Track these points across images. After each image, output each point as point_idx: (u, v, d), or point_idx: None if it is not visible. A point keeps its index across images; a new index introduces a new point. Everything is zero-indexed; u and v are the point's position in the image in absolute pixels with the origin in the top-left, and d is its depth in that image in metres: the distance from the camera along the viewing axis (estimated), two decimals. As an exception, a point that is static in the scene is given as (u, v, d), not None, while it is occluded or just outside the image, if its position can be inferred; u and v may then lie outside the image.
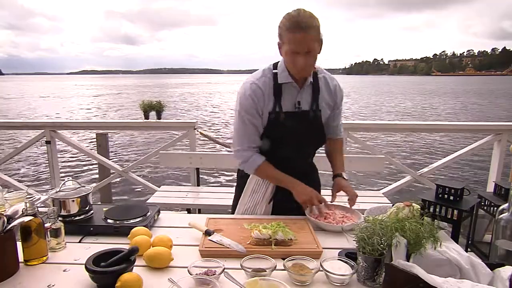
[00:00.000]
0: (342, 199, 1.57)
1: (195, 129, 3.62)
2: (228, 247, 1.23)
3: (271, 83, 1.52)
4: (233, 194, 1.77)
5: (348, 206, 1.54)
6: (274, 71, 1.53)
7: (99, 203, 4.20)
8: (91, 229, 1.37)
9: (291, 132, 1.54)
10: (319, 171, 1.82)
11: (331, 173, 1.72)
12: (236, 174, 1.80)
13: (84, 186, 1.50)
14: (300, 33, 1.35)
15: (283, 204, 1.62)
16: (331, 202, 1.58)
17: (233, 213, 1.72)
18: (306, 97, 1.56)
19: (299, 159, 1.66)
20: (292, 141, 1.58)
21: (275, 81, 1.52)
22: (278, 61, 1.55)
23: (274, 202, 1.65)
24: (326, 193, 1.60)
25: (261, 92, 1.50)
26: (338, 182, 1.62)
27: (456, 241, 1.26)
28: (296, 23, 1.35)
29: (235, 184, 1.79)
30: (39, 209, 1.29)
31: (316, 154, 1.74)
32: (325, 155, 1.79)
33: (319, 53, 1.46)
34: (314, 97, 1.57)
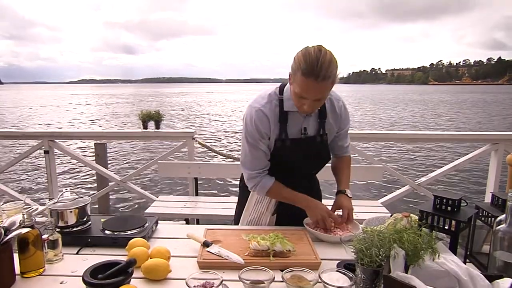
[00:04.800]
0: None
1: (194, 139, 3.63)
2: (226, 259, 1.22)
3: (277, 109, 1.48)
4: (232, 204, 1.77)
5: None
6: (280, 96, 1.49)
7: (97, 213, 4.17)
8: (89, 240, 1.37)
9: (297, 156, 1.54)
10: (320, 181, 1.82)
11: (330, 182, 1.72)
12: (238, 184, 1.80)
13: (82, 197, 1.50)
14: (315, 82, 1.27)
15: (287, 216, 1.61)
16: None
17: (236, 224, 1.72)
18: (313, 122, 1.54)
19: (303, 178, 1.67)
20: (297, 164, 1.58)
21: (280, 107, 1.48)
22: (285, 84, 1.50)
23: (278, 214, 1.64)
24: (325, 203, 1.60)
25: (267, 119, 1.47)
26: (339, 200, 1.59)
27: (454, 252, 1.26)
28: (312, 71, 1.25)
29: (233, 194, 1.78)
30: (36, 219, 1.29)
31: None
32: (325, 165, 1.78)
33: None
34: (320, 122, 1.55)
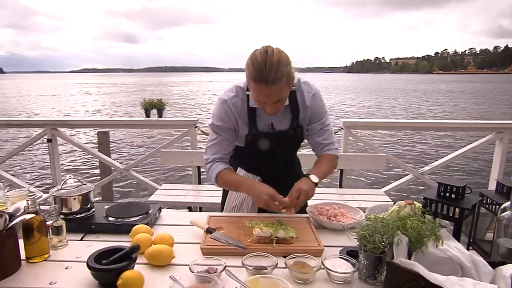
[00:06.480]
0: (343, 197, 1.56)
1: (196, 127, 3.62)
2: (229, 245, 1.23)
3: (244, 105, 1.48)
4: None
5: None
6: (247, 92, 1.46)
7: (101, 201, 4.21)
8: (93, 227, 1.38)
9: (270, 148, 1.54)
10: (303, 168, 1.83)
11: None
12: None
13: (85, 184, 1.50)
14: (266, 87, 1.26)
15: None
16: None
17: (221, 211, 1.74)
18: (280, 118, 1.51)
19: (281, 164, 1.67)
20: (272, 153, 1.57)
21: (248, 103, 1.47)
22: None
23: None
24: (325, 192, 1.60)
25: (231, 111, 1.48)
26: (297, 183, 1.43)
27: (458, 239, 1.25)
28: (261, 77, 1.25)
29: None
30: (40, 207, 1.30)
31: (303, 153, 1.73)
32: (305, 153, 1.76)
33: (291, 88, 1.38)
34: (293, 116, 1.51)
